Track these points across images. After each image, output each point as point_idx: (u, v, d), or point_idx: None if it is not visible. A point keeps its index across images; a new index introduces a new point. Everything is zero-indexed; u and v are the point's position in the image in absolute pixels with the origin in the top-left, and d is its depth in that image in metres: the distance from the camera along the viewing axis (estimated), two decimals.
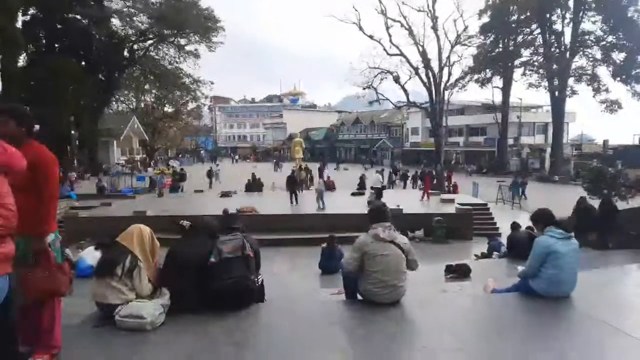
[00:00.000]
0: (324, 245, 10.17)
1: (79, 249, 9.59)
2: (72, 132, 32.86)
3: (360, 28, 35.21)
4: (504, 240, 12.93)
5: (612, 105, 37.83)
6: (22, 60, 33.50)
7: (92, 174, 33.31)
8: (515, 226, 10.49)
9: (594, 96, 38.22)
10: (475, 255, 11.73)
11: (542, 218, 4.43)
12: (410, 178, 32.31)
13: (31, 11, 34.43)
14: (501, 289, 4.71)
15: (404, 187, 31.09)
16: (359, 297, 4.18)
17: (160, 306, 3.54)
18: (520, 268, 4.56)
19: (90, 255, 8.47)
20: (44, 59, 32.65)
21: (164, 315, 3.54)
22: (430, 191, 21.38)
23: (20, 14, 32.36)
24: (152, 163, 45.71)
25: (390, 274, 3.93)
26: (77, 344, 3.28)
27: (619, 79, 36.46)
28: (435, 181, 27.82)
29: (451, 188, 26.93)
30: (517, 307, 4.16)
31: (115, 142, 43.28)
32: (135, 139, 50.11)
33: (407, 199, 20.36)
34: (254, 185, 26.11)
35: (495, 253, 10.94)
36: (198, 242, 3.95)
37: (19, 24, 31.98)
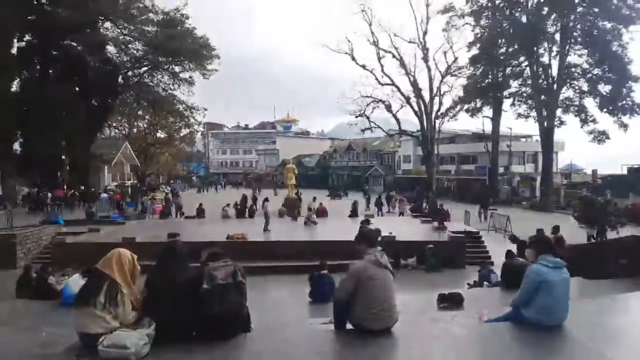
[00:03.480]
0: (315, 273, 10.02)
1: (65, 276, 9.36)
2: (64, 157, 32.67)
3: (353, 58, 36.03)
4: (497, 269, 12.91)
5: (600, 136, 38.48)
6: (15, 86, 33.57)
7: (82, 200, 33.00)
8: (510, 255, 10.46)
9: (581, 127, 38.95)
10: (468, 284, 11.64)
11: (538, 245, 4.40)
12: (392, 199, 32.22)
13: (26, 37, 34.70)
14: (493, 318, 4.65)
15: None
16: (349, 326, 4.09)
17: (145, 336, 3.43)
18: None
19: (76, 283, 8.26)
20: (38, 84, 32.75)
21: (149, 346, 3.42)
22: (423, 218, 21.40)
23: (15, 39, 32.60)
24: (146, 189, 45.35)
25: (386, 299, 3.88)
26: None
27: (605, 110, 37.22)
28: (425, 207, 27.90)
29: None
30: (510, 337, 4.10)
31: (106, 167, 43.05)
32: (127, 165, 49.92)
33: (399, 226, 20.35)
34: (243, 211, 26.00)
35: (485, 283, 10.85)
36: (173, 268, 3.78)
37: (14, 50, 32.18)
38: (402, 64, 35.17)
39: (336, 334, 4.16)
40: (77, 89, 36.51)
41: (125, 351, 3.26)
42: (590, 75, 38.43)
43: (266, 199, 22.45)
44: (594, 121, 38.58)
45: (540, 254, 4.25)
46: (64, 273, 9.61)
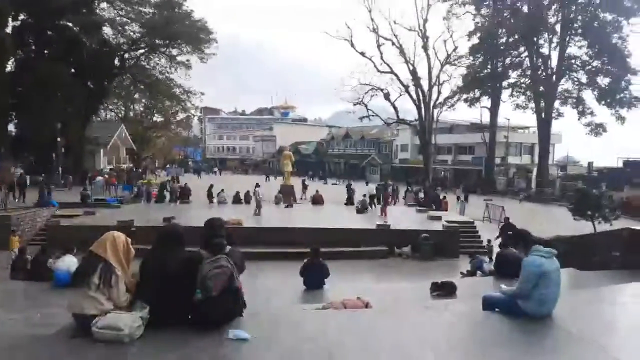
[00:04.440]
0: (307, 259, 10.01)
1: (57, 258, 9.35)
2: (59, 139, 32.44)
3: (352, 45, 35.73)
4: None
5: (597, 128, 38.61)
6: (10, 66, 33.14)
7: (76, 183, 32.87)
8: (504, 244, 10.52)
9: (579, 119, 39.07)
10: (462, 273, 11.73)
11: (522, 238, 4.43)
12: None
13: (22, 17, 34.18)
14: (492, 295, 4.63)
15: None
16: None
17: (139, 318, 3.43)
18: (504, 287, 4.52)
19: (68, 266, 8.26)
20: (33, 64, 32.30)
21: (143, 328, 3.43)
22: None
23: (10, 19, 32.10)
24: (141, 173, 45.17)
25: None
26: (52, 356, 3.20)
27: (603, 102, 37.28)
28: (423, 198, 27.93)
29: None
30: (502, 325, 4.12)
31: (102, 150, 42.81)
32: (123, 148, 49.65)
33: (393, 215, 20.43)
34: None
35: (479, 272, 10.94)
36: (168, 251, 3.76)
37: (8, 29, 31.71)
38: (402, 52, 35.01)
39: (333, 316, 4.16)
40: (72, 70, 36.10)
41: (119, 333, 3.27)
42: (589, 67, 38.42)
43: (257, 185, 22.53)
44: (591, 113, 38.70)
45: (530, 245, 4.26)
46: (58, 255, 9.60)
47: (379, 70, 35.82)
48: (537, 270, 4.01)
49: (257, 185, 22.24)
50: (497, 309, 4.33)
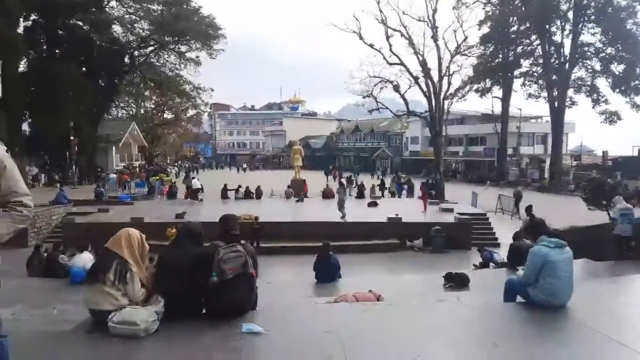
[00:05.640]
0: (319, 253, 10.06)
1: (72, 255, 9.52)
2: (72, 137, 32.87)
3: (361, 37, 35.38)
4: (502, 250, 12.92)
5: (612, 117, 37.92)
6: (22, 66, 33.55)
7: (89, 180, 33.30)
8: (517, 236, 10.46)
9: (593, 107, 38.37)
10: (474, 265, 11.68)
11: (533, 229, 4.43)
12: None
13: (33, 17, 34.52)
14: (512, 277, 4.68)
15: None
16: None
17: (154, 313, 3.49)
18: (520, 272, 4.55)
19: (84, 262, 8.41)
20: (45, 64, 32.65)
21: (158, 323, 3.49)
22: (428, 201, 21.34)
23: (21, 19, 32.45)
24: (153, 170, 45.52)
25: None
26: (69, 351, 3.26)
27: (618, 90, 36.59)
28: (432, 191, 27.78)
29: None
30: (515, 316, 4.12)
31: (114, 147, 43.27)
32: (134, 145, 50.11)
33: (405, 207, 20.35)
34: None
35: (491, 264, 10.89)
36: (186, 247, 3.88)
37: (20, 30, 32.06)
38: (411, 43, 34.52)
39: (341, 310, 4.17)
40: (83, 69, 36.45)
41: (135, 327, 3.33)
42: (603, 54, 37.68)
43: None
44: (605, 101, 38.01)
45: (538, 235, 4.27)
46: (73, 252, 9.77)
47: (388, 62, 35.44)
48: (540, 259, 4.10)
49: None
50: (517, 296, 4.39)
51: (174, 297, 3.64)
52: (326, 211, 19.77)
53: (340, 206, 17.51)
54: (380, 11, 34.87)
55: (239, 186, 26.02)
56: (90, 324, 3.60)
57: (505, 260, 10.04)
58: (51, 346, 3.39)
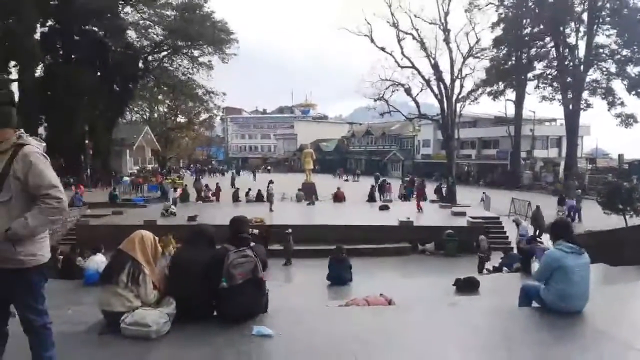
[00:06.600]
0: (331, 256, 10.07)
1: (85, 257, 9.64)
2: (87, 141, 33.34)
3: (372, 40, 35.30)
4: None
5: (628, 119, 37.34)
6: (38, 71, 34.16)
7: (104, 183, 33.70)
8: (532, 239, 10.35)
9: (608, 110, 37.83)
10: (487, 270, 11.56)
11: (555, 230, 4.36)
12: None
13: (49, 23, 35.14)
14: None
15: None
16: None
17: (165, 315, 3.52)
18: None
19: (97, 264, 8.50)
20: (61, 69, 33.21)
21: (170, 324, 3.52)
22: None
23: (38, 25, 33.06)
24: (166, 173, 45.96)
25: None
26: (82, 352, 3.29)
27: (634, 92, 36.03)
28: (444, 194, 27.61)
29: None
30: (530, 321, 4.06)
31: (128, 151, 43.78)
32: (148, 149, 50.65)
33: (416, 211, 20.24)
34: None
35: (504, 268, 10.76)
36: (198, 250, 3.92)
37: (36, 35, 32.67)
38: (423, 46, 34.34)
39: (353, 313, 4.16)
40: (98, 73, 36.99)
41: (146, 329, 3.36)
42: (618, 56, 37.14)
43: (271, 181, 22.78)
44: (621, 104, 37.43)
45: (557, 238, 4.21)
46: (88, 255, 9.89)
47: (399, 65, 35.25)
48: (553, 263, 4.06)
49: (271, 182, 22.68)
50: (533, 302, 4.35)
51: (186, 299, 3.67)
52: (338, 214, 19.74)
53: None
54: (392, 14, 34.79)
55: (249, 189, 26.31)
56: (103, 325, 3.64)
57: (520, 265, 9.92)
58: (65, 346, 3.43)
